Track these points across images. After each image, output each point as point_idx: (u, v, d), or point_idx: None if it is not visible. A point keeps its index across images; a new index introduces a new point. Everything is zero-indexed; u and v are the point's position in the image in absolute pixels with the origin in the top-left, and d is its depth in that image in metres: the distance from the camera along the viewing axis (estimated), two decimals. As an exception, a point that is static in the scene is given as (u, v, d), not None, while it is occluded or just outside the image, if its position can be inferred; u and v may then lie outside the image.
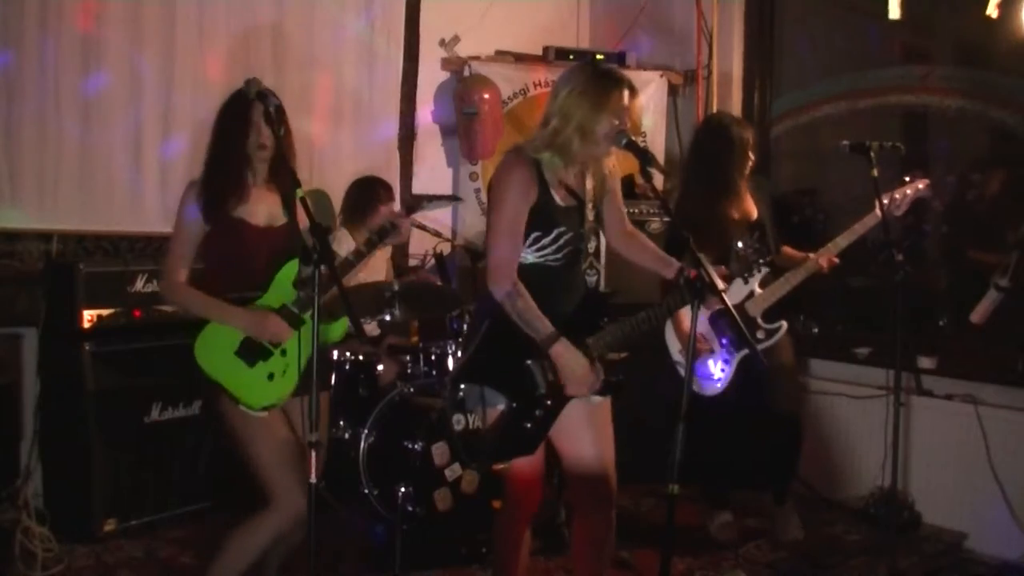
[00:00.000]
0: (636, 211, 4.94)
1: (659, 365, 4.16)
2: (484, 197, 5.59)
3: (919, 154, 5.07)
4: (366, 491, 3.92)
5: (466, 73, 5.58)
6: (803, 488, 4.83)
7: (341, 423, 4.11)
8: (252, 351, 2.99)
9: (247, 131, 2.98)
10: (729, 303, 2.72)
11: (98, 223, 4.55)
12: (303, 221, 2.79)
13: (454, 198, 3.35)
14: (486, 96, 5.44)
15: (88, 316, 4.08)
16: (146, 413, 4.22)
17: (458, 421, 3.84)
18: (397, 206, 5.15)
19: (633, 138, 2.86)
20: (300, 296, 3.00)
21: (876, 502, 4.56)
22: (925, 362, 4.63)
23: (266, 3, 5.04)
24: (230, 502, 3.44)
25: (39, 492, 4.25)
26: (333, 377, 4.22)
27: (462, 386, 3.01)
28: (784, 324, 4.14)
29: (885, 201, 3.87)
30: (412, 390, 4.11)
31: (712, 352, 4.14)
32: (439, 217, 5.55)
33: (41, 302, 4.22)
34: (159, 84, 4.67)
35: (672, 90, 5.87)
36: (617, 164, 3.08)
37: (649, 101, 5.71)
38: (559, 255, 2.91)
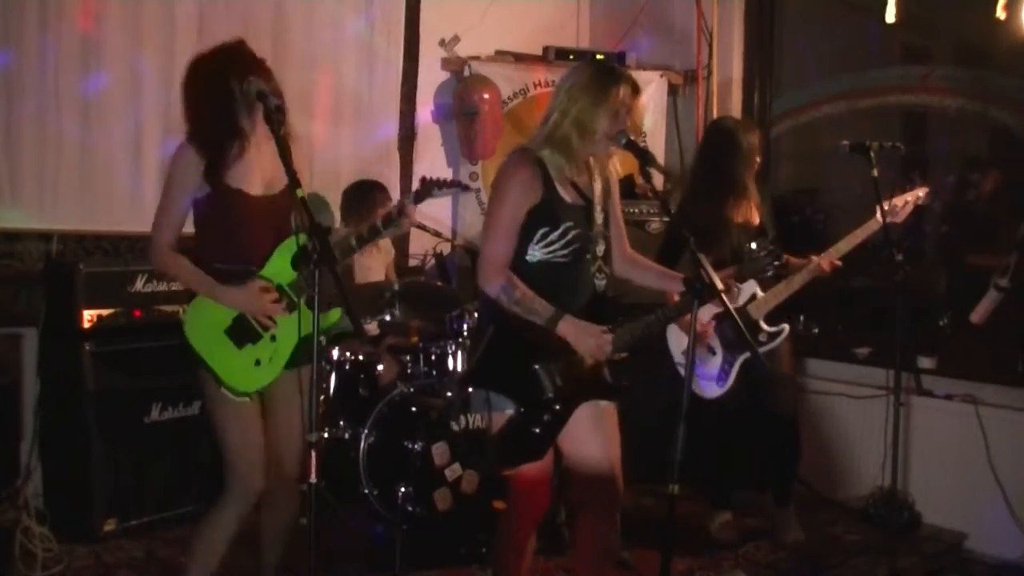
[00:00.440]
0: (636, 211, 4.94)
1: (659, 366, 4.16)
2: (484, 197, 5.60)
3: (919, 154, 5.08)
4: (366, 491, 3.92)
5: (466, 73, 5.58)
6: (803, 488, 4.83)
7: (341, 423, 4.11)
8: (243, 332, 2.96)
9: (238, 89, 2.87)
10: (730, 305, 2.72)
11: (98, 223, 4.55)
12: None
13: (462, 185, 3.33)
14: (486, 96, 5.44)
15: (88, 316, 4.08)
16: (146, 413, 4.22)
17: (464, 425, 3.86)
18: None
19: (633, 138, 2.86)
20: (298, 279, 2.97)
21: (876, 502, 4.56)
22: (925, 362, 4.63)
23: (266, 3, 5.04)
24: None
25: (39, 492, 4.25)
26: (333, 377, 4.23)
27: (469, 391, 3.01)
28: (786, 327, 4.14)
29: (884, 207, 3.87)
30: (412, 390, 4.11)
31: (714, 353, 4.14)
32: (439, 217, 5.55)
33: (41, 302, 4.22)
34: (159, 84, 4.66)
35: (672, 90, 5.87)
36: (618, 170, 3.08)
37: (649, 101, 5.71)
38: (567, 251, 2.89)
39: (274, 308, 2.95)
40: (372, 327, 4.46)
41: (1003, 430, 4.27)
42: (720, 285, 2.72)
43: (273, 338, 2.99)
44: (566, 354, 2.86)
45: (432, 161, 5.71)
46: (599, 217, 2.96)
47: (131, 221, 4.60)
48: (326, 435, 4.03)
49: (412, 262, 5.54)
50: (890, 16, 4.55)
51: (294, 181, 2.66)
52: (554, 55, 5.75)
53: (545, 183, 2.87)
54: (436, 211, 5.60)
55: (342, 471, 3.98)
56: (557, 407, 2.86)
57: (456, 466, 3.97)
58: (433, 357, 4.24)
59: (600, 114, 2.83)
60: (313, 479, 2.59)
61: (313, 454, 2.59)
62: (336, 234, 3.10)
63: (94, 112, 4.49)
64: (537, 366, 2.85)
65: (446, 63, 5.69)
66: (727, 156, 4.15)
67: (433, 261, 5.09)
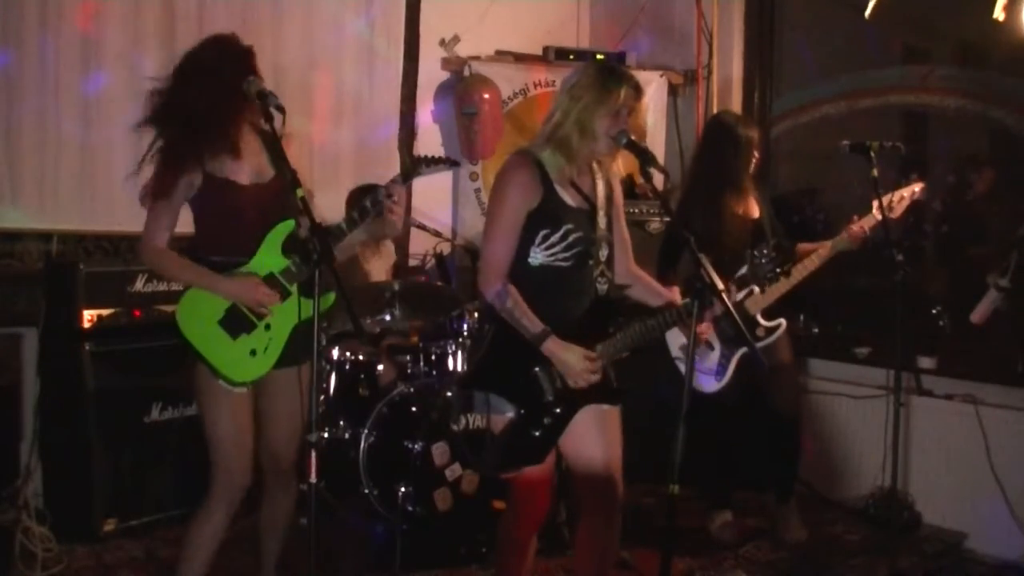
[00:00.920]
0: (636, 211, 4.94)
1: (659, 365, 4.16)
2: (484, 197, 5.60)
3: (919, 154, 5.08)
4: (366, 491, 3.92)
5: (466, 73, 5.58)
6: (803, 488, 4.83)
7: (341, 423, 4.11)
8: (236, 322, 2.94)
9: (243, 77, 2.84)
10: (729, 304, 2.72)
11: (98, 223, 4.55)
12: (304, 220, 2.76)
13: (451, 163, 3.30)
14: (486, 96, 5.44)
15: (88, 316, 4.08)
16: (146, 413, 4.22)
17: (464, 425, 3.85)
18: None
19: (633, 137, 2.85)
20: (290, 266, 2.96)
21: (876, 502, 4.56)
22: (925, 362, 4.63)
23: (266, 3, 5.04)
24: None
25: (39, 492, 4.25)
26: (333, 377, 4.23)
27: (470, 393, 3.00)
28: (783, 322, 4.14)
29: (877, 203, 3.88)
30: (412, 390, 4.11)
31: (712, 349, 4.14)
32: (439, 217, 5.55)
33: (41, 302, 4.21)
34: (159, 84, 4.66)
35: (672, 90, 5.87)
36: (620, 171, 3.07)
37: (649, 101, 5.70)
38: (568, 254, 2.88)
39: (270, 297, 2.94)
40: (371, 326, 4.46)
41: (1003, 430, 4.27)
42: (720, 285, 2.72)
43: (268, 327, 2.98)
44: None
45: (432, 161, 5.71)
46: (602, 221, 2.95)
47: (131, 221, 4.55)
48: (326, 435, 4.04)
49: (412, 262, 5.54)
50: (869, 12, 4.55)
51: (295, 181, 2.65)
52: (554, 55, 5.75)
53: (544, 185, 2.86)
54: (436, 211, 5.61)
55: (342, 471, 3.98)
56: (557, 410, 2.85)
57: (456, 466, 3.97)
58: (433, 357, 4.24)
59: (601, 114, 2.82)
60: (313, 479, 2.59)
61: (313, 454, 2.59)
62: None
63: (94, 112, 4.49)
64: (537, 368, 2.84)
65: (446, 63, 5.69)
66: (726, 150, 4.16)
67: (433, 261, 5.09)
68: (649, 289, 3.11)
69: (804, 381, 5.01)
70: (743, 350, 4.08)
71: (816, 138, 5.53)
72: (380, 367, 4.29)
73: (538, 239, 2.87)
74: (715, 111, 5.57)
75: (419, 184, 5.58)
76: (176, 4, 4.72)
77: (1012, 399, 4.31)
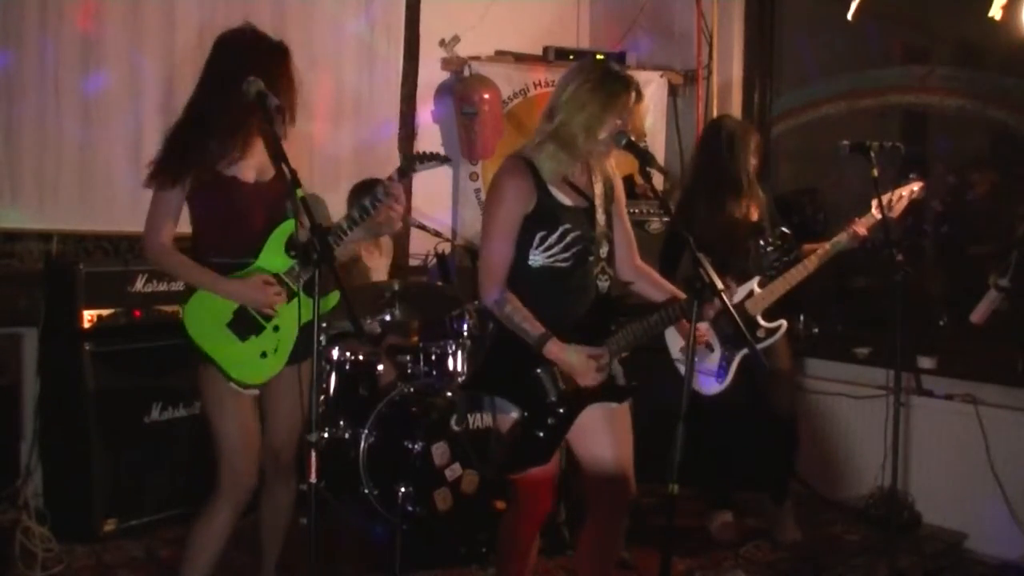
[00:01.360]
0: (636, 211, 4.94)
1: (659, 365, 4.16)
2: (484, 197, 5.60)
3: (919, 154, 5.08)
4: (366, 491, 3.92)
5: (466, 73, 5.58)
6: (803, 488, 4.83)
7: (341, 423, 4.11)
8: (245, 324, 2.93)
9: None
10: (729, 304, 2.72)
11: (98, 223, 4.55)
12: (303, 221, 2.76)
13: (444, 159, 3.30)
14: (486, 96, 5.44)
15: (88, 316, 4.08)
16: (146, 413, 4.22)
17: (464, 425, 3.85)
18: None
19: (632, 138, 2.85)
20: (294, 267, 2.96)
21: (876, 502, 4.56)
22: (925, 362, 4.63)
23: (266, 3, 5.04)
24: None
25: (39, 492, 4.25)
26: (333, 377, 4.23)
27: (473, 395, 3.00)
28: (784, 323, 4.14)
29: (875, 203, 3.88)
30: (412, 390, 4.11)
31: (712, 350, 4.14)
32: (439, 217, 5.55)
33: (41, 302, 4.21)
34: (159, 84, 4.66)
35: (672, 90, 5.87)
36: (618, 173, 3.07)
37: (649, 101, 5.70)
38: (567, 254, 2.88)
39: (277, 299, 2.94)
40: (373, 326, 4.46)
41: (1003, 430, 4.27)
42: (720, 285, 2.72)
43: (276, 328, 2.98)
44: None
45: (432, 161, 5.71)
46: (601, 218, 2.95)
47: (131, 221, 4.57)
48: (326, 435, 4.04)
49: (413, 262, 5.54)
50: (851, 14, 4.56)
51: (295, 182, 2.64)
52: (554, 55, 5.76)
53: (538, 187, 2.86)
54: (436, 211, 5.61)
55: (342, 471, 3.98)
56: (561, 410, 2.85)
57: (456, 466, 3.97)
58: (433, 357, 4.24)
59: (608, 118, 2.83)
60: (313, 479, 2.59)
61: (313, 454, 2.58)
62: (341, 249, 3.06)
63: (94, 112, 4.49)
64: (539, 369, 2.84)
65: (446, 63, 5.69)
66: (725, 154, 4.16)
67: (434, 261, 5.09)
68: (654, 284, 3.11)
69: (804, 381, 5.01)
70: (744, 352, 4.08)
71: (816, 138, 5.53)
72: (380, 367, 4.29)
73: (536, 241, 2.87)
74: (715, 111, 5.58)
75: (419, 184, 5.59)
76: (176, 4, 4.72)
77: (1012, 399, 4.31)
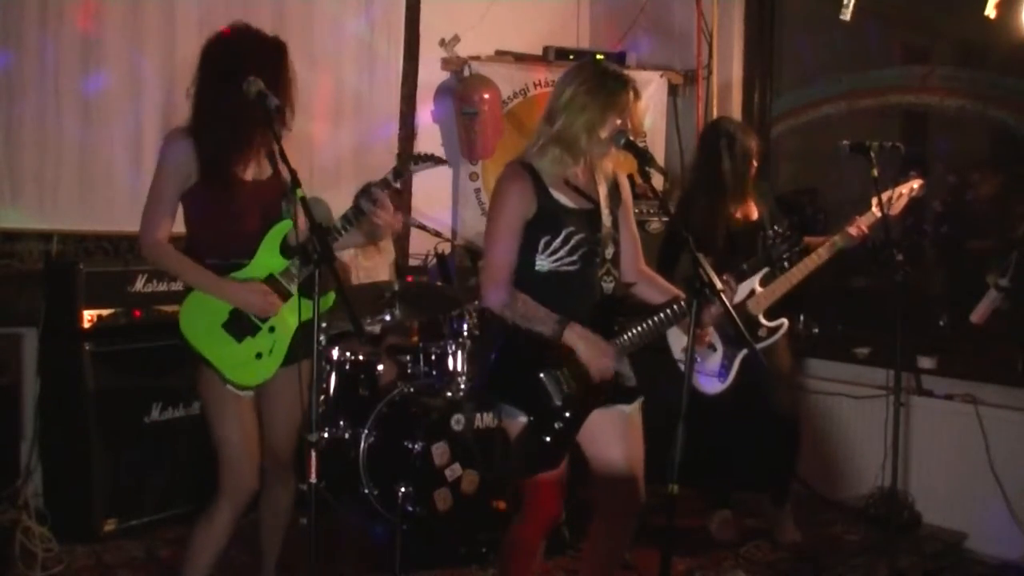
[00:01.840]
0: (636, 211, 4.92)
1: (659, 365, 4.16)
2: (484, 197, 5.61)
3: (919, 154, 5.08)
4: (366, 491, 3.92)
5: (466, 73, 5.58)
6: (803, 488, 4.83)
7: (341, 423, 4.12)
8: (240, 326, 2.92)
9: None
10: (729, 304, 2.72)
11: (98, 223, 4.55)
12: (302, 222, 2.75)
13: (439, 160, 3.30)
14: (486, 96, 5.44)
15: (88, 316, 4.08)
16: (146, 413, 4.22)
17: (467, 426, 3.85)
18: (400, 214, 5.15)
19: (631, 138, 2.86)
20: (290, 267, 2.95)
21: (876, 502, 4.56)
22: (925, 362, 4.63)
23: (266, 3, 5.04)
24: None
25: (39, 492, 4.25)
26: (333, 377, 4.23)
27: (480, 402, 2.99)
28: (785, 322, 4.14)
29: (875, 201, 3.88)
30: (412, 390, 4.11)
31: (714, 349, 4.14)
32: (439, 217, 5.55)
33: (41, 302, 4.22)
34: (159, 84, 4.67)
35: (672, 90, 5.87)
36: (620, 172, 3.07)
37: (649, 101, 5.71)
38: (574, 257, 2.88)
39: (275, 305, 2.94)
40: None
41: (1003, 430, 4.27)
42: (719, 285, 2.71)
43: (272, 329, 2.97)
44: (574, 360, 2.84)
45: (432, 161, 5.71)
46: (607, 219, 2.95)
47: (131, 221, 4.52)
48: (326, 435, 4.04)
49: (413, 262, 5.54)
50: (845, 15, 4.56)
51: (295, 181, 2.64)
52: (554, 55, 5.76)
53: (539, 191, 2.86)
54: (436, 211, 5.61)
55: (342, 471, 3.98)
56: (567, 414, 2.84)
57: (456, 466, 3.97)
58: (433, 357, 4.24)
59: (608, 118, 2.83)
60: (313, 479, 2.59)
61: (313, 454, 2.58)
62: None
63: (94, 112, 4.49)
64: (543, 374, 2.84)
65: (446, 63, 5.69)
66: (724, 156, 4.16)
67: (435, 261, 5.09)
68: (657, 288, 3.10)
69: (804, 381, 5.01)
70: (744, 352, 4.08)
71: (816, 138, 5.53)
72: (380, 367, 4.29)
73: (540, 246, 2.87)
74: (715, 111, 5.58)
75: (419, 184, 5.60)
76: (176, 4, 4.72)
77: (1012, 399, 4.31)
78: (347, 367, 4.25)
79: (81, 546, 4.03)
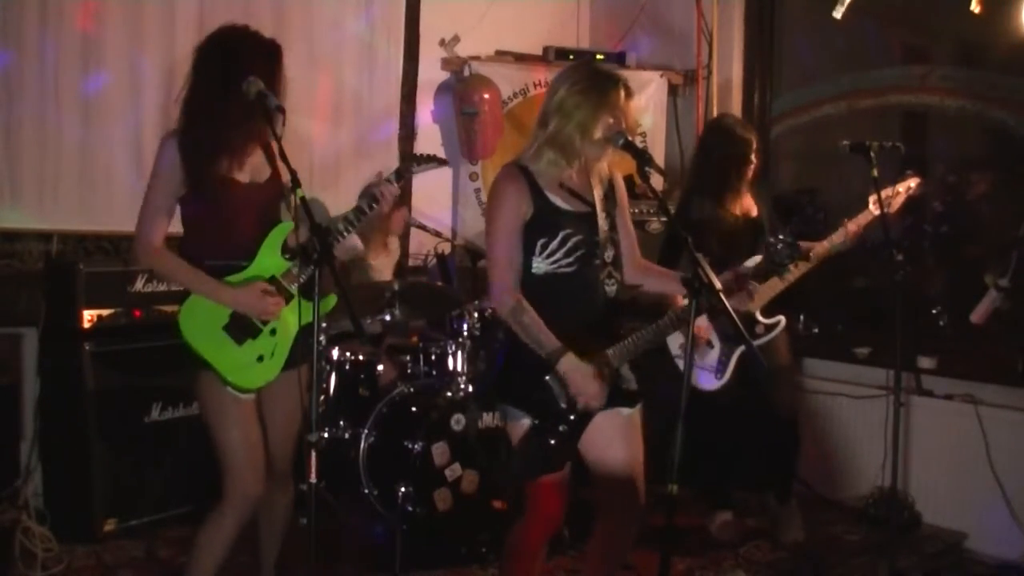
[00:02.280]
0: (636, 211, 4.93)
1: (658, 364, 4.16)
2: (484, 197, 5.60)
3: (919, 154, 5.08)
4: (366, 491, 3.92)
5: (466, 73, 5.58)
6: (803, 488, 4.83)
7: (341, 423, 4.12)
8: (241, 328, 2.90)
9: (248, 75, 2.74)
10: (727, 303, 2.71)
11: (98, 223, 4.55)
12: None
13: (440, 161, 3.31)
14: (486, 96, 5.44)
15: (88, 316, 4.08)
16: (146, 413, 4.22)
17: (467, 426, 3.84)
18: (406, 211, 5.15)
19: (629, 138, 2.85)
20: (290, 268, 2.94)
21: (876, 502, 4.56)
22: (925, 362, 4.63)
23: (266, 3, 5.04)
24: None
25: (39, 492, 4.25)
26: (333, 377, 4.23)
27: (485, 403, 2.98)
28: (782, 319, 4.14)
29: (873, 199, 3.88)
30: (412, 390, 4.11)
31: (712, 346, 4.14)
32: (439, 217, 5.55)
33: (41, 302, 4.22)
34: (159, 84, 4.66)
35: (672, 90, 5.87)
36: (616, 172, 3.07)
37: (649, 101, 5.71)
38: (571, 259, 2.87)
39: (275, 306, 2.92)
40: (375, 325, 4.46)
41: (1003, 430, 4.27)
42: (718, 285, 2.71)
43: (273, 332, 2.96)
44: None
45: (432, 161, 5.71)
46: (604, 222, 2.94)
47: (131, 221, 4.51)
48: (326, 435, 4.04)
49: (413, 262, 5.54)
50: (838, 13, 4.56)
51: (295, 181, 2.63)
52: (554, 55, 5.75)
53: (534, 194, 2.85)
54: (436, 211, 5.61)
55: (342, 471, 3.98)
56: (572, 416, 2.84)
57: (456, 466, 3.97)
58: (433, 357, 4.24)
59: (601, 117, 2.83)
60: (313, 479, 2.59)
61: (313, 454, 2.58)
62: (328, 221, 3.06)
63: (94, 112, 4.49)
64: (548, 377, 2.82)
65: (446, 63, 5.69)
66: (725, 153, 4.17)
67: (435, 261, 5.09)
68: (660, 277, 3.11)
69: (804, 381, 5.01)
70: (743, 348, 4.08)
71: (816, 138, 5.53)
72: (380, 367, 4.29)
73: (537, 248, 2.86)
74: (715, 111, 5.58)
75: (419, 184, 5.60)
76: (176, 4, 4.72)
77: (1012, 399, 4.31)
78: (347, 367, 4.24)
79: (81, 546, 4.03)
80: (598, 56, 5.72)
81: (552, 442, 2.84)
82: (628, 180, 4.96)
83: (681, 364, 4.10)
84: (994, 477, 4.25)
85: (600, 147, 2.86)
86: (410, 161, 3.26)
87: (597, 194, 2.96)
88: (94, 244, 4.56)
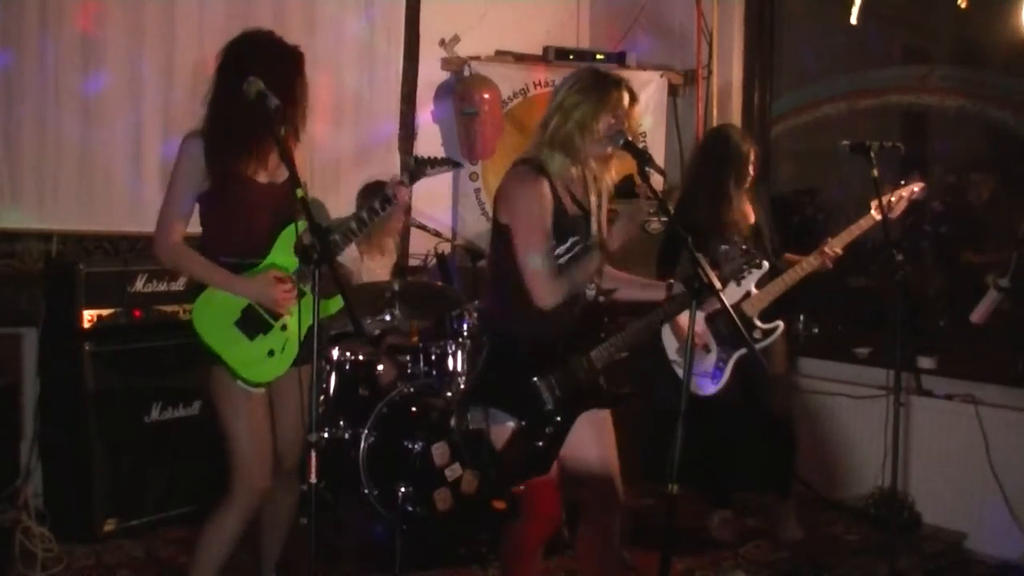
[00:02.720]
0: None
1: (657, 366, 4.16)
2: (484, 197, 5.61)
3: (919, 154, 5.08)
4: (366, 491, 3.92)
5: (466, 73, 5.58)
6: (803, 488, 4.83)
7: (341, 423, 4.11)
8: (253, 323, 2.94)
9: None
10: (727, 304, 2.72)
11: (98, 223, 4.55)
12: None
13: (453, 163, 3.32)
14: (486, 96, 5.44)
15: (88, 316, 4.08)
16: (146, 413, 4.22)
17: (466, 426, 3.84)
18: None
19: (630, 138, 2.85)
20: (301, 267, 2.96)
21: (876, 502, 4.56)
22: (925, 362, 4.63)
23: (266, 3, 5.04)
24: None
25: (39, 492, 4.25)
26: (333, 377, 4.23)
27: (472, 410, 2.98)
28: (781, 324, 4.14)
29: (876, 204, 3.89)
30: (412, 390, 4.11)
31: (708, 351, 4.14)
32: (439, 217, 5.55)
33: (41, 302, 4.22)
34: (159, 84, 4.67)
35: (672, 90, 5.87)
36: (615, 177, 3.07)
37: (649, 101, 5.71)
38: (564, 261, 2.88)
39: (289, 297, 2.94)
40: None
41: (1003, 430, 4.27)
42: (718, 284, 2.72)
43: (284, 327, 2.98)
44: (564, 365, 2.86)
45: (432, 161, 5.71)
46: (595, 227, 2.96)
47: (131, 221, 4.60)
48: (326, 435, 4.03)
49: (413, 262, 5.54)
50: (853, 18, 4.57)
51: (295, 181, 2.64)
52: (554, 55, 5.75)
53: (553, 197, 2.86)
54: (436, 211, 5.61)
55: (342, 471, 3.98)
56: (558, 418, 2.86)
57: (456, 466, 3.97)
58: (433, 357, 4.24)
59: (601, 115, 2.84)
60: (313, 479, 2.59)
61: (313, 454, 2.58)
62: (337, 222, 3.09)
63: (94, 112, 4.49)
64: (536, 379, 2.84)
65: (446, 63, 5.69)
66: (723, 164, 4.18)
67: (435, 261, 5.09)
68: (630, 283, 3.10)
69: (804, 381, 5.01)
70: (740, 352, 4.08)
71: (816, 138, 5.53)
72: (380, 367, 4.29)
73: None
74: (715, 111, 5.58)
75: (419, 184, 5.53)
76: (176, 4, 4.72)
77: (1012, 399, 4.31)
78: (347, 367, 4.24)
79: (81, 546, 4.03)
80: (598, 56, 5.73)
81: (540, 444, 2.86)
82: (628, 179, 4.98)
83: (679, 369, 4.10)
84: (994, 477, 4.24)
85: (600, 146, 2.86)
86: (424, 164, 3.26)
87: (593, 200, 2.97)
88: (94, 244, 4.56)
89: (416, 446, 3.90)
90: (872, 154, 3.69)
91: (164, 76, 4.68)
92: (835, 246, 4.06)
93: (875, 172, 3.68)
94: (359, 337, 4.22)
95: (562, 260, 2.87)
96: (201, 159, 2.90)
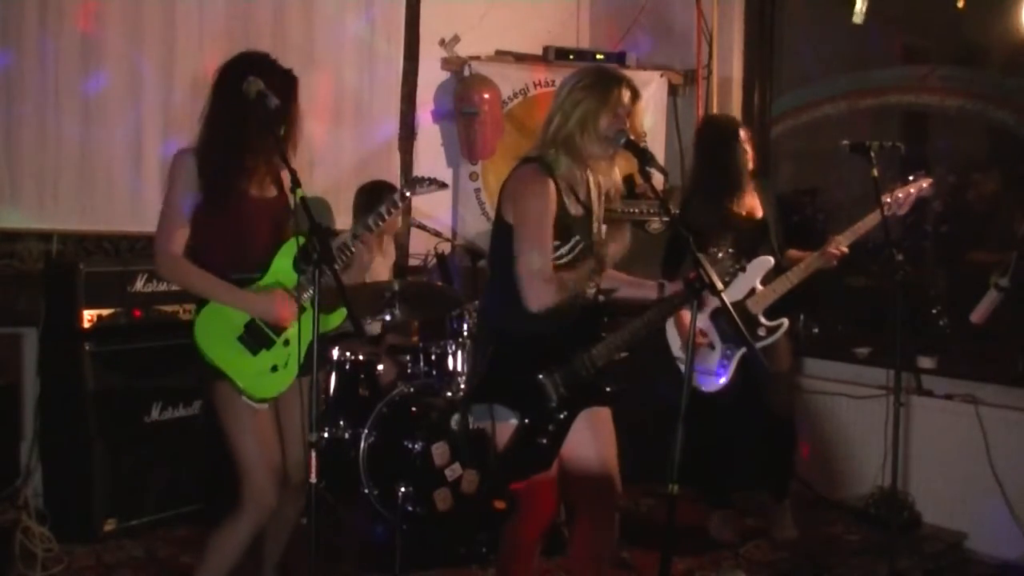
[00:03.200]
0: (636, 211, 4.95)
1: (659, 365, 4.16)
2: (484, 197, 5.61)
3: (919, 154, 5.08)
4: (366, 491, 3.92)
5: (466, 73, 5.58)
6: (803, 488, 4.83)
7: (341, 423, 4.12)
8: (256, 338, 2.94)
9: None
10: (728, 303, 2.72)
11: (98, 223, 4.55)
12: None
13: (441, 184, 3.38)
14: (486, 96, 5.44)
15: (88, 316, 4.08)
16: (146, 413, 4.22)
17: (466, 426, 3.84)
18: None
19: (632, 138, 2.85)
20: (301, 280, 2.97)
21: (876, 502, 4.56)
22: (925, 362, 4.63)
23: (266, 3, 5.04)
24: (229, 502, 3.43)
25: (39, 492, 4.25)
26: (333, 377, 4.23)
27: (475, 409, 2.98)
28: (785, 321, 4.14)
29: (887, 200, 3.89)
30: (412, 390, 4.11)
31: (713, 348, 4.14)
32: (439, 217, 5.55)
33: (41, 302, 4.22)
34: (159, 84, 4.67)
35: (672, 90, 5.87)
36: (618, 178, 3.06)
37: (649, 101, 5.70)
38: (566, 261, 2.89)
39: (294, 312, 2.94)
40: (375, 327, 4.46)
41: (1003, 430, 4.27)
42: (720, 285, 2.71)
43: (286, 343, 2.99)
44: (567, 363, 2.86)
45: (432, 161, 5.71)
46: (596, 227, 2.97)
47: (131, 221, 4.60)
48: (326, 435, 4.04)
49: (413, 262, 5.54)
50: (857, 18, 4.56)
51: (295, 181, 2.64)
52: (554, 55, 5.75)
53: (558, 197, 2.86)
54: (436, 211, 5.61)
55: (342, 471, 3.98)
56: (561, 415, 2.86)
57: (456, 466, 3.97)
58: (433, 357, 4.24)
59: (603, 113, 2.83)
60: (313, 479, 2.59)
61: (313, 454, 2.58)
62: (339, 238, 3.10)
63: (94, 112, 4.49)
64: (541, 376, 2.84)
65: (446, 63, 5.69)
66: (724, 150, 4.17)
67: (435, 261, 5.09)
68: (628, 284, 3.09)
69: (804, 381, 5.01)
70: (744, 350, 4.08)
71: (816, 138, 5.53)
72: (380, 367, 4.29)
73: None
74: (715, 111, 5.57)
75: (419, 184, 5.59)
76: (176, 4, 4.72)
77: (1012, 399, 4.31)
78: (347, 367, 4.24)
79: (81, 546, 4.03)
80: (598, 56, 5.73)
81: (543, 441, 2.86)
82: (629, 179, 4.99)
83: (682, 366, 4.10)
84: (994, 477, 4.24)
85: (602, 145, 2.86)
86: (414, 183, 3.31)
87: (594, 198, 2.96)
88: (94, 244, 4.56)
89: (416, 446, 3.90)
90: (872, 154, 3.69)
91: (164, 76, 4.68)
92: (841, 244, 4.06)
93: (875, 172, 3.68)
94: (359, 337, 4.22)
95: (564, 260, 2.87)
96: (195, 171, 2.90)
